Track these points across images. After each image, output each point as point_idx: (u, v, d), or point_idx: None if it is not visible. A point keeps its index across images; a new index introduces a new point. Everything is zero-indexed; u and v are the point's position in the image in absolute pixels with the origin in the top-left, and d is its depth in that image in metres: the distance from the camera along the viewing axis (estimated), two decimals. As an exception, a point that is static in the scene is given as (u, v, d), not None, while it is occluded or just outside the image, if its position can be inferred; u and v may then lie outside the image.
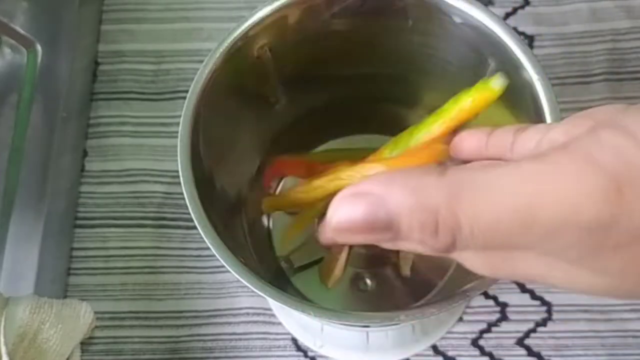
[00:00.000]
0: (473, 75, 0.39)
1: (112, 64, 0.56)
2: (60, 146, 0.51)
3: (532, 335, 0.48)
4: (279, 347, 0.48)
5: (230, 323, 0.49)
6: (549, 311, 0.48)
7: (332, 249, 0.43)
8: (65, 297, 0.50)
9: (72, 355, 0.42)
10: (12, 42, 0.53)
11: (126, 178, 0.53)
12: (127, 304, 0.50)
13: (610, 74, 0.54)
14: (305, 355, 0.48)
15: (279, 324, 0.49)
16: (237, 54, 0.37)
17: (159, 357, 0.48)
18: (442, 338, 0.48)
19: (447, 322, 0.48)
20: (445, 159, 0.34)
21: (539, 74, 0.35)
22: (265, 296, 0.33)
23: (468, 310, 0.49)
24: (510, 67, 0.36)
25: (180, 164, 0.35)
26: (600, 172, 0.21)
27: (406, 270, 0.44)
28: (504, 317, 0.48)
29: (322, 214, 0.45)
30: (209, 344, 0.48)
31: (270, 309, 0.49)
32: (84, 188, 0.53)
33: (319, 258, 0.44)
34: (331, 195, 0.42)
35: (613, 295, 0.23)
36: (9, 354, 0.38)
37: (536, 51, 0.54)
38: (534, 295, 0.49)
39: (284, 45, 0.39)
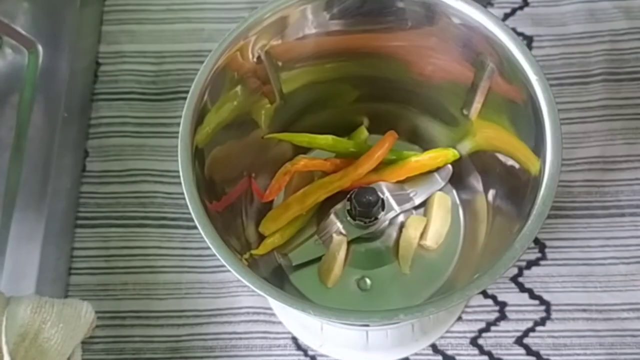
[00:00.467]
0: (472, 76, 0.39)
1: (113, 64, 0.56)
2: (61, 146, 0.51)
3: (531, 334, 0.48)
4: (279, 346, 0.48)
5: (230, 322, 0.49)
6: (547, 310, 0.48)
7: (331, 247, 0.43)
8: (66, 296, 0.50)
9: (73, 354, 0.42)
10: (13, 42, 0.53)
11: (127, 178, 0.53)
12: (128, 304, 0.50)
13: (608, 75, 0.54)
14: (306, 354, 0.48)
15: (279, 323, 0.49)
16: (238, 54, 0.38)
17: (160, 356, 0.48)
18: (441, 337, 0.48)
19: (446, 321, 0.48)
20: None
21: (538, 75, 0.35)
22: (265, 295, 0.33)
23: (467, 309, 0.49)
24: (509, 68, 0.36)
25: (181, 164, 0.35)
26: None
27: (406, 269, 0.44)
28: (502, 317, 0.48)
29: (315, 210, 0.45)
30: (210, 343, 0.49)
31: (270, 308, 0.49)
32: (84, 188, 0.53)
33: (318, 257, 0.44)
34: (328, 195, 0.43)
35: None
36: (10, 353, 0.38)
37: (535, 52, 0.54)
38: (532, 295, 0.49)
39: (284, 45, 0.39)
